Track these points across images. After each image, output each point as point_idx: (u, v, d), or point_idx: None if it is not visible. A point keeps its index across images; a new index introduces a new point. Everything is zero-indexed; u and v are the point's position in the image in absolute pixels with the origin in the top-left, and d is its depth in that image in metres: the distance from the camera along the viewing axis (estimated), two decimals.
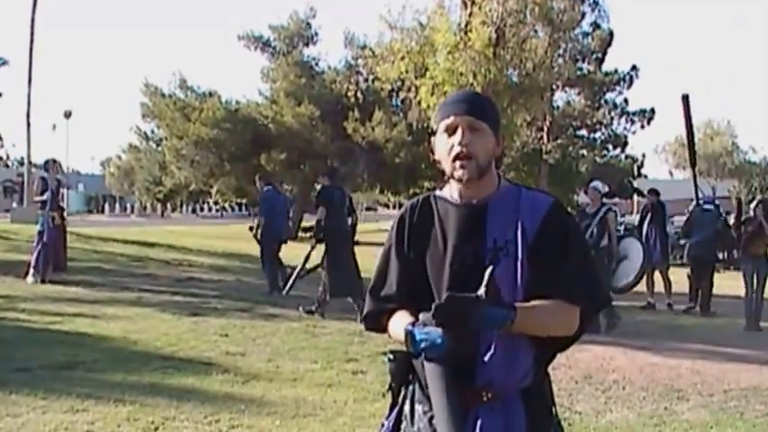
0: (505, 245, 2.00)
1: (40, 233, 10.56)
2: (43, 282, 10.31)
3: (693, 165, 6.70)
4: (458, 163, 2.01)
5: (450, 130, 2.03)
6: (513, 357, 1.98)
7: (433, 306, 1.85)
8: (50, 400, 5.03)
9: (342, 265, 8.88)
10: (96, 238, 16.21)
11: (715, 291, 10.62)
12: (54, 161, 11.22)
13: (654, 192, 11.49)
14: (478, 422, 1.94)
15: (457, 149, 2.00)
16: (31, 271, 10.46)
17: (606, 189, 9.37)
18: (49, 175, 10.84)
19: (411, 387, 2.09)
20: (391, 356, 2.09)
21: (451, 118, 2.03)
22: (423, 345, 1.87)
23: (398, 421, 2.11)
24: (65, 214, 11.01)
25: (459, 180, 2.03)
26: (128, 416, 4.81)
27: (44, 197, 10.58)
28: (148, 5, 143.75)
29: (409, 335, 1.91)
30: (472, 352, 1.95)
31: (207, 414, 4.92)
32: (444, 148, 2.05)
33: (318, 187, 9.54)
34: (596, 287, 2.10)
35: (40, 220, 10.69)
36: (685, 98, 7.04)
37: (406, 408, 2.09)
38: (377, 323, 2.16)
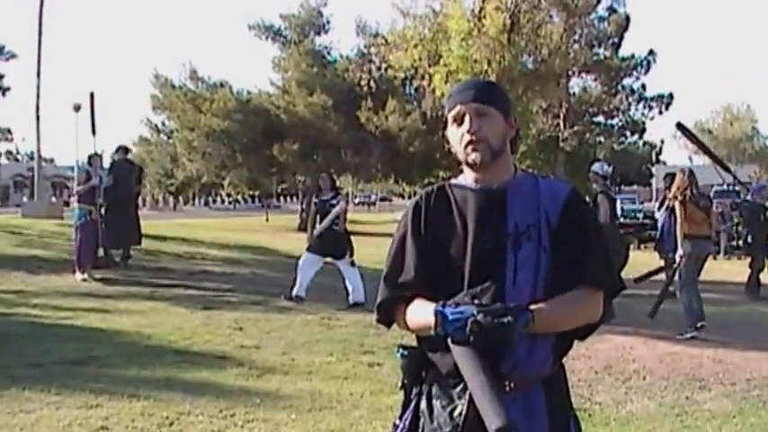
0: (527, 229, 2.00)
1: (79, 227, 10.36)
2: (85, 279, 10.18)
3: (728, 170, 6.70)
4: (470, 147, 2.02)
5: (459, 120, 2.05)
6: (535, 337, 1.95)
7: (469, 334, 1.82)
8: (64, 396, 5.02)
9: (121, 222, 11.18)
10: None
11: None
12: (97, 155, 11.20)
13: (673, 176, 11.25)
14: None
15: (467, 137, 2.02)
16: (86, 268, 10.29)
17: (606, 169, 9.08)
18: (92, 168, 10.76)
19: (426, 385, 2.05)
20: (404, 352, 2.06)
21: (458, 107, 2.04)
22: (456, 325, 1.84)
23: (416, 418, 2.06)
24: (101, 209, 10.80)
25: (473, 164, 2.04)
26: (142, 411, 4.79)
27: (80, 188, 10.50)
28: None
29: (440, 315, 1.87)
30: None
31: (222, 408, 4.90)
32: (456, 137, 2.06)
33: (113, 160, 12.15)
34: (614, 272, 2.10)
35: (78, 214, 10.51)
36: (679, 125, 6.98)
37: (423, 404, 2.05)
38: (390, 312, 2.11)
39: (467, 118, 2.02)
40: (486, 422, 1.79)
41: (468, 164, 2.05)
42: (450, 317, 1.85)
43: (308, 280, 9.26)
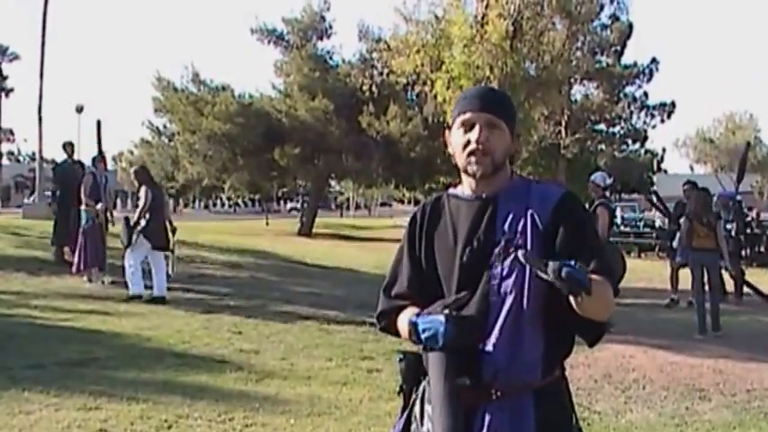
0: (515, 236, 1.96)
1: (85, 231, 10.27)
2: (90, 281, 10.18)
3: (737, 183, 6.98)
4: (473, 158, 2.00)
5: (467, 126, 2.02)
6: (518, 345, 1.92)
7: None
8: (63, 398, 5.01)
9: (64, 222, 11.07)
10: (108, 234, 16.17)
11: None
12: (102, 156, 10.91)
13: (692, 184, 10.58)
14: (486, 419, 1.91)
15: (473, 146, 1.99)
16: (93, 271, 10.27)
17: (608, 182, 9.07)
18: (97, 170, 10.59)
19: (422, 388, 2.06)
20: (403, 356, 2.08)
21: (469, 114, 2.01)
22: (426, 334, 1.86)
23: (408, 423, 2.08)
24: (107, 212, 10.69)
25: (473, 175, 2.02)
26: (141, 414, 4.78)
27: (98, 205, 10.31)
28: None
29: (412, 325, 1.91)
30: (475, 341, 1.91)
31: (221, 412, 4.88)
32: (460, 142, 2.03)
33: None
34: (614, 277, 2.03)
35: (86, 217, 10.37)
36: (748, 144, 7.19)
37: (416, 409, 2.06)
38: (389, 321, 2.15)
39: (476, 127, 1.99)
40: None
41: (467, 172, 2.04)
42: (421, 326, 1.88)
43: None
